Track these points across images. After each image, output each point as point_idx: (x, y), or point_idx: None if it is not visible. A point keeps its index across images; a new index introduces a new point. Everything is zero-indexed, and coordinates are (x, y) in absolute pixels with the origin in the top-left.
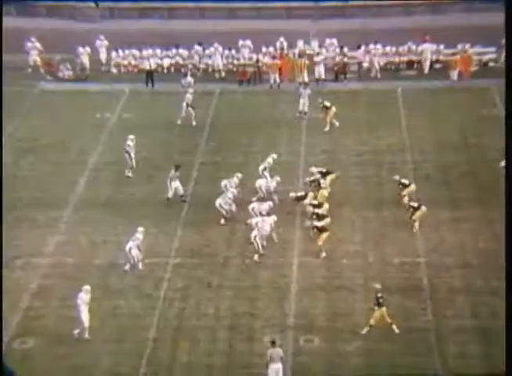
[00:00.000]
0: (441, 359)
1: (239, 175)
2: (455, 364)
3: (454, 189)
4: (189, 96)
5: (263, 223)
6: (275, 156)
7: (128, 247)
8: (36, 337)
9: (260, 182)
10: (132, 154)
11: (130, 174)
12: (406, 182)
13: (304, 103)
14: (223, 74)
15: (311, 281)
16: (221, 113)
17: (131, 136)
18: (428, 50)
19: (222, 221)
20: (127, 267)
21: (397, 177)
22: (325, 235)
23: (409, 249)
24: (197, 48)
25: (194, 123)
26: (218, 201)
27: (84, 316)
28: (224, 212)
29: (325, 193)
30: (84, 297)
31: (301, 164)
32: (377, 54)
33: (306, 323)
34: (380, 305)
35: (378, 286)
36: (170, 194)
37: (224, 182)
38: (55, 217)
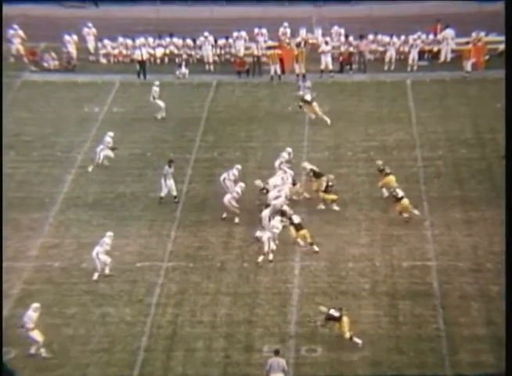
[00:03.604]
0: (454, 369)
1: (239, 166)
2: (468, 375)
3: (467, 188)
4: (155, 89)
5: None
6: (289, 149)
7: (94, 253)
8: (19, 347)
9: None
10: (109, 151)
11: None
12: (388, 170)
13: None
14: (212, 66)
15: (314, 286)
16: (218, 106)
17: (111, 133)
18: (449, 36)
19: (237, 219)
20: (95, 276)
21: (380, 162)
22: (302, 232)
23: (418, 252)
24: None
25: (164, 115)
26: (227, 198)
27: (36, 334)
28: (235, 209)
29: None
30: (33, 316)
31: (304, 160)
32: (391, 45)
33: (308, 331)
34: (336, 319)
35: (323, 309)
36: (163, 193)
37: (223, 176)
38: (39, 218)
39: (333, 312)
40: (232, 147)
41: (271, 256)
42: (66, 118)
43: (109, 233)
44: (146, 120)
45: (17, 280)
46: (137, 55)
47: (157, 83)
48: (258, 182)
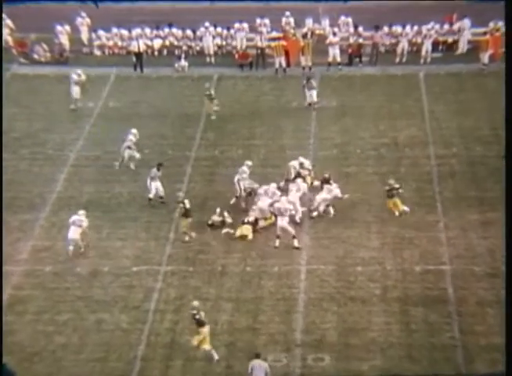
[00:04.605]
0: None
1: (249, 162)
2: (467, 374)
3: (483, 188)
4: (74, 77)
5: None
6: (302, 159)
7: (74, 235)
8: (7, 355)
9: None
10: (134, 152)
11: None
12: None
13: (311, 95)
14: (213, 59)
15: (321, 292)
16: (220, 101)
17: (134, 130)
18: (466, 26)
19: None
20: (70, 253)
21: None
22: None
23: (432, 255)
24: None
25: (73, 107)
26: (265, 203)
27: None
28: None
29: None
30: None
31: (310, 159)
32: (404, 36)
33: (315, 339)
34: (198, 324)
35: (195, 303)
36: (152, 194)
37: (236, 178)
38: (29, 219)
39: (201, 317)
40: (234, 145)
41: (296, 243)
42: (58, 114)
43: (82, 211)
44: (143, 115)
45: (6, 285)
46: (133, 46)
47: (78, 71)
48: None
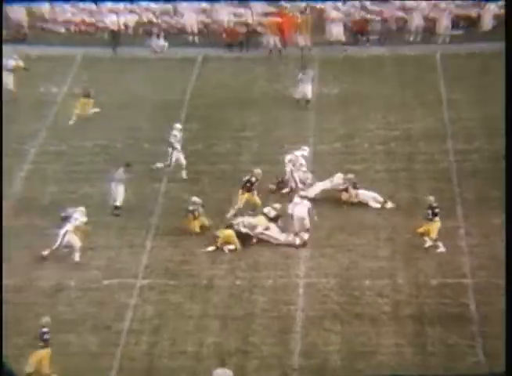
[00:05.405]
0: None
1: (306, 147)
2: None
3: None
4: (11, 63)
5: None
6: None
7: (63, 230)
8: None
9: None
10: (180, 155)
11: (159, 165)
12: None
13: (306, 90)
14: (196, 38)
15: (322, 308)
16: (205, 86)
17: (178, 125)
18: None
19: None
20: (46, 252)
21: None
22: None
23: (450, 267)
24: None
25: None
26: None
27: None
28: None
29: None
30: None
31: (310, 154)
32: (418, 10)
33: (316, 363)
34: (44, 344)
35: (46, 319)
36: (118, 201)
37: (289, 168)
38: None
39: (47, 337)
40: (222, 138)
41: (306, 236)
42: (17, 101)
43: (81, 208)
44: (116, 103)
45: None
46: (111, 23)
47: (16, 56)
48: None
